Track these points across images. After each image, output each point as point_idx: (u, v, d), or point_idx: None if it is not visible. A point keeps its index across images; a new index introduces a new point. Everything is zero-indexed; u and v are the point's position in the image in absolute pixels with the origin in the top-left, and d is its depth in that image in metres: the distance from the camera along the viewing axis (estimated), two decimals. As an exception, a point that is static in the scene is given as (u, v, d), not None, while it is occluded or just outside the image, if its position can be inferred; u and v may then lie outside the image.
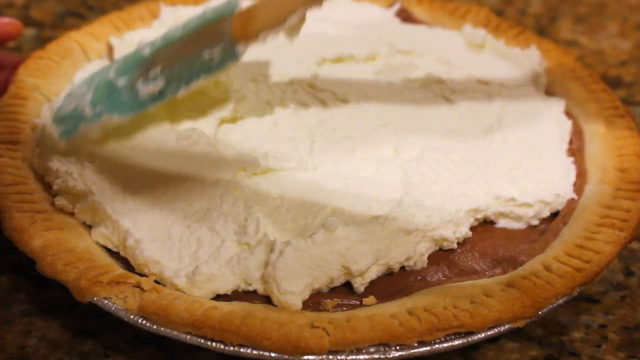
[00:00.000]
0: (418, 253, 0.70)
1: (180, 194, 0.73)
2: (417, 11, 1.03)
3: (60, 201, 0.72)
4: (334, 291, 0.68)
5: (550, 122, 0.86)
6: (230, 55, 0.72)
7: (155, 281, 0.66)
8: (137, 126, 0.77)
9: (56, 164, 0.74)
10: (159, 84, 0.73)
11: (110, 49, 0.93)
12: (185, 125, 0.78)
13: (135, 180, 0.73)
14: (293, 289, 0.65)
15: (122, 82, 0.74)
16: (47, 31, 1.12)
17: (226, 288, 0.66)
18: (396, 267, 0.70)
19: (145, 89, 0.73)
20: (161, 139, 0.76)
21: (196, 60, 0.73)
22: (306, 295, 0.66)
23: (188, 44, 0.74)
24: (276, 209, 0.72)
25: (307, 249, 0.66)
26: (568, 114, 0.88)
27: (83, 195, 0.71)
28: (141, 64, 0.74)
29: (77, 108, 0.74)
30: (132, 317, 0.64)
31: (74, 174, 0.72)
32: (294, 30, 0.72)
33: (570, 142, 0.85)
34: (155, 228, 0.70)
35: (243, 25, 0.71)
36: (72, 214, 0.72)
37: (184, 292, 0.65)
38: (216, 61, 0.73)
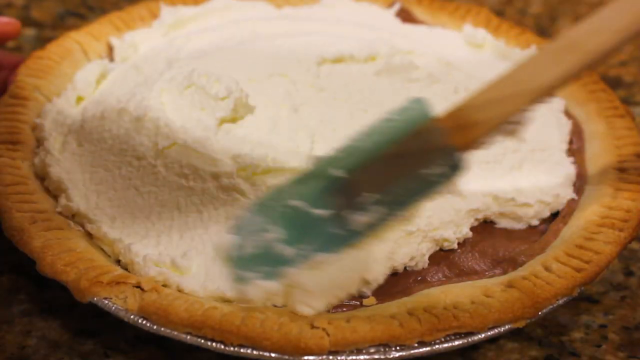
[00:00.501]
0: (420, 253, 0.70)
1: (180, 196, 0.73)
2: (418, 11, 1.03)
3: (61, 208, 0.73)
4: (334, 291, 0.68)
5: (550, 122, 0.86)
6: (457, 169, 0.63)
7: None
8: None
9: (56, 169, 0.74)
10: (375, 212, 0.62)
11: (110, 49, 0.93)
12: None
13: (130, 188, 0.73)
14: (312, 308, 0.64)
15: (320, 213, 0.63)
16: (47, 31, 1.12)
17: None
18: (400, 268, 0.70)
19: (358, 219, 0.62)
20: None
21: (415, 179, 0.63)
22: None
23: (392, 161, 0.64)
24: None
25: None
26: (568, 114, 0.88)
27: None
28: (335, 190, 0.63)
29: (265, 250, 0.63)
30: (132, 317, 0.64)
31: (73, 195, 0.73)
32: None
33: (570, 142, 0.85)
34: (154, 235, 0.70)
35: (463, 135, 0.62)
36: (72, 216, 0.73)
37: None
38: (443, 177, 0.63)
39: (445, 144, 0.63)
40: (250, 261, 0.63)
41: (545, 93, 0.63)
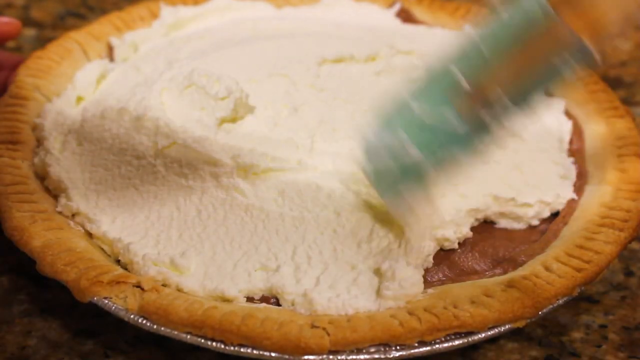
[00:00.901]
0: (425, 253, 0.70)
1: (179, 195, 0.73)
2: (418, 11, 1.03)
3: (61, 208, 0.73)
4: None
5: (550, 122, 0.86)
6: (587, 58, 0.60)
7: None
8: None
9: (56, 169, 0.74)
10: (504, 104, 0.60)
11: (110, 49, 0.93)
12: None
13: (129, 186, 0.73)
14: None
15: (448, 112, 0.61)
16: (47, 31, 1.12)
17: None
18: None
19: (489, 113, 0.61)
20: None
21: (544, 71, 0.61)
22: None
23: (514, 59, 0.61)
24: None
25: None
26: (568, 114, 0.88)
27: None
28: (459, 90, 0.61)
29: (401, 158, 0.62)
30: (132, 317, 0.64)
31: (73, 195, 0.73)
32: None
33: (570, 142, 0.85)
34: (153, 235, 0.70)
35: (585, 22, 0.58)
36: (72, 216, 0.73)
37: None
38: (573, 68, 0.61)
39: (576, 38, 0.59)
40: (393, 174, 0.63)
41: None
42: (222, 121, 0.80)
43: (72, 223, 0.72)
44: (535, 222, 0.77)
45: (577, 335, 0.74)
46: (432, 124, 0.62)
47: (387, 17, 1.02)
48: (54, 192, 0.75)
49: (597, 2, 0.59)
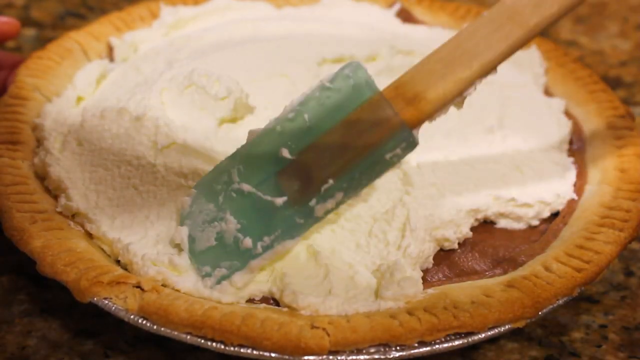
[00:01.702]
0: (426, 255, 0.70)
1: (179, 195, 0.73)
2: (418, 11, 1.03)
3: (61, 208, 0.73)
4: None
5: (550, 122, 0.86)
6: (410, 145, 0.64)
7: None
8: None
9: (56, 169, 0.74)
10: (338, 198, 0.64)
11: (110, 49, 0.93)
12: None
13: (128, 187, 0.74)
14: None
15: (281, 202, 0.64)
16: (47, 31, 1.12)
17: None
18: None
19: (323, 207, 0.64)
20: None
21: (375, 162, 0.64)
22: None
23: (343, 139, 0.63)
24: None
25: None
26: (568, 114, 0.88)
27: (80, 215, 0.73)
28: (286, 172, 0.64)
29: (224, 242, 0.64)
30: (132, 317, 0.64)
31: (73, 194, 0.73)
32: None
33: (570, 142, 0.85)
34: (152, 235, 0.70)
35: (413, 110, 0.63)
36: (72, 216, 0.73)
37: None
38: (398, 156, 0.64)
39: (398, 120, 0.62)
40: (209, 254, 0.65)
41: (492, 68, 0.64)
42: (222, 121, 0.80)
43: (72, 223, 0.72)
44: (535, 222, 0.77)
45: (577, 335, 0.74)
46: (259, 208, 0.63)
47: (387, 17, 1.02)
48: (54, 192, 0.75)
49: (423, 92, 0.62)
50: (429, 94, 0.63)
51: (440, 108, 0.63)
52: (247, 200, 0.64)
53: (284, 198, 0.64)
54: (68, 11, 1.18)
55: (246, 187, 0.64)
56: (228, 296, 0.65)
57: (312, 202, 0.64)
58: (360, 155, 0.63)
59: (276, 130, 0.65)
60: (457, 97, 0.64)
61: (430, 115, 0.64)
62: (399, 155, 0.64)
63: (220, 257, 0.65)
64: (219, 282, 0.64)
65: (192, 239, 0.66)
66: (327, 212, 0.65)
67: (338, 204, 0.65)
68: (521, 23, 0.63)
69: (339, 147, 0.63)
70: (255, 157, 0.65)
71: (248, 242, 0.64)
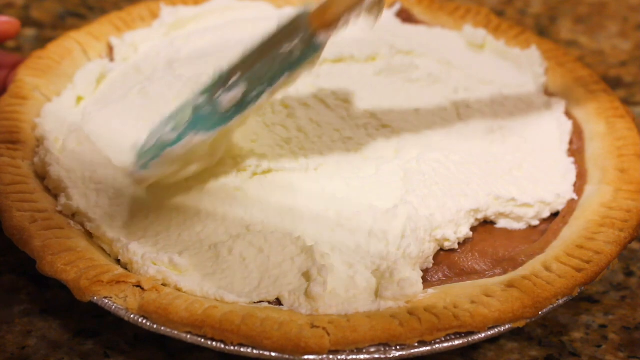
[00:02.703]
0: (426, 255, 0.70)
1: (179, 197, 0.73)
2: (418, 11, 1.03)
3: (61, 207, 0.73)
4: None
5: (550, 122, 0.86)
6: (312, 47, 0.68)
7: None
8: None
9: (56, 169, 0.74)
10: (240, 89, 0.68)
11: (110, 49, 0.93)
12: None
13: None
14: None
15: (201, 99, 0.70)
16: (47, 31, 1.12)
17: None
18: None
19: (226, 98, 0.68)
20: None
21: (275, 57, 0.68)
22: None
23: (265, 47, 0.69)
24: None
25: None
26: (568, 114, 0.88)
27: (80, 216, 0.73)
28: (219, 79, 0.70)
29: (159, 139, 0.70)
30: (132, 316, 0.64)
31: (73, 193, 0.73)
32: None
33: (570, 142, 0.85)
34: (152, 234, 0.70)
35: (320, 14, 0.67)
36: (72, 216, 0.73)
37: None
38: (296, 55, 0.68)
39: (305, 25, 0.67)
40: (146, 153, 0.70)
41: None
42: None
43: (72, 222, 0.72)
44: (535, 222, 0.77)
45: (577, 335, 0.74)
46: (189, 112, 0.70)
47: (387, 17, 1.02)
48: (54, 191, 0.75)
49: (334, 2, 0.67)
50: (334, 3, 0.68)
51: (343, 13, 0.67)
52: (185, 107, 0.71)
53: (205, 96, 0.70)
54: (68, 11, 1.18)
55: (191, 102, 0.71)
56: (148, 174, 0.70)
57: (218, 94, 0.69)
58: (266, 52, 0.69)
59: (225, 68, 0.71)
60: (361, 3, 0.67)
61: (334, 20, 0.67)
62: (298, 55, 0.68)
63: (151, 154, 0.70)
64: (142, 168, 0.69)
65: (143, 146, 0.71)
66: (233, 105, 0.68)
67: (244, 100, 0.69)
68: None
69: (258, 52, 0.70)
70: (206, 85, 0.71)
71: (170, 135, 0.69)
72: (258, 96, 0.69)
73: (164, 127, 0.70)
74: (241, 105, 0.69)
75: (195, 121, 0.69)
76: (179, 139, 0.68)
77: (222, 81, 0.69)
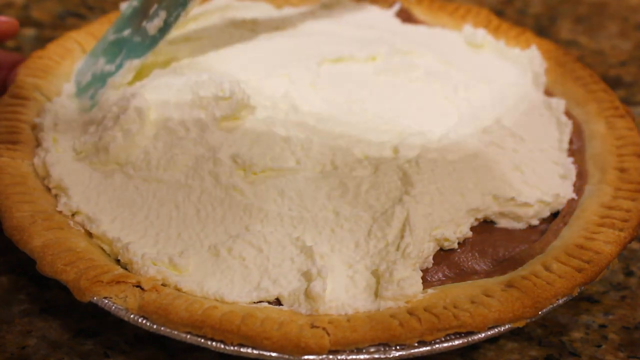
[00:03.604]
0: (425, 254, 0.70)
1: (179, 195, 0.73)
2: (418, 11, 1.03)
3: (61, 207, 0.73)
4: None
5: (550, 122, 0.86)
6: None
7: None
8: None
9: (56, 168, 0.74)
10: (161, 17, 0.82)
11: (110, 49, 0.93)
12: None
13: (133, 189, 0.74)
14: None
15: (127, 33, 0.84)
16: (47, 31, 1.12)
17: None
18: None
19: (152, 26, 0.82)
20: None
21: None
22: None
23: None
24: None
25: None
26: (568, 114, 0.88)
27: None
28: (135, 13, 0.84)
29: (95, 74, 0.83)
30: (132, 316, 0.64)
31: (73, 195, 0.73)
32: None
33: (570, 142, 0.85)
34: (152, 234, 0.70)
35: None
36: (72, 216, 0.73)
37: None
38: None
39: None
40: (87, 87, 0.84)
41: None
42: (222, 120, 0.80)
43: (72, 222, 0.72)
44: (535, 222, 0.77)
45: (577, 335, 0.74)
46: (118, 43, 0.85)
47: (387, 17, 1.02)
48: (54, 191, 0.75)
49: None
50: None
51: None
52: (112, 44, 0.85)
53: (129, 30, 0.84)
54: (68, 11, 1.18)
55: (112, 36, 0.86)
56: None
57: (143, 24, 0.83)
58: None
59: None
60: None
61: None
62: None
63: (93, 86, 0.83)
64: (91, 97, 0.82)
65: (79, 85, 0.85)
66: (159, 30, 0.83)
67: (166, 22, 0.82)
68: None
69: None
70: (118, 19, 0.87)
71: (107, 67, 0.83)
72: (177, 18, 0.82)
73: (93, 65, 0.84)
74: (164, 29, 0.83)
75: (129, 51, 0.83)
76: (118, 68, 0.82)
77: (140, 14, 0.84)
